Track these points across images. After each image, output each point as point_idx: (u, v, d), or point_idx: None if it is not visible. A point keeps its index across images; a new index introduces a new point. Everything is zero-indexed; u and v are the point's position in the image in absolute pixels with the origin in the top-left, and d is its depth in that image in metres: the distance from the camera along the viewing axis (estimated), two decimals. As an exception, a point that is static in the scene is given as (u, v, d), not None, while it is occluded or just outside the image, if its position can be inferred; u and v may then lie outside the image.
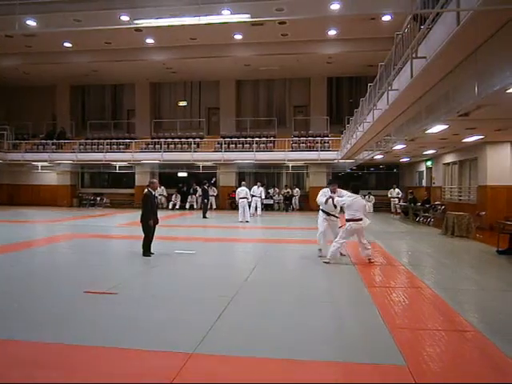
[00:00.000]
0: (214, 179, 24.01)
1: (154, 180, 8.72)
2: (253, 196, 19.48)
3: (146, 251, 8.12)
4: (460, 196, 16.51)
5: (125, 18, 16.34)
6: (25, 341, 3.77)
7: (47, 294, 5.42)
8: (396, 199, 21.69)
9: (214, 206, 22.28)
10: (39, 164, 25.38)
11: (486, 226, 12.60)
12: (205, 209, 18.00)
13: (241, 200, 16.40)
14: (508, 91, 5.85)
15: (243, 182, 18.24)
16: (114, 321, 4.34)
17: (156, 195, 8.76)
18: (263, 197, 20.01)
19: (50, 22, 16.65)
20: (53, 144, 24.92)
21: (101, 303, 4.98)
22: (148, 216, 8.10)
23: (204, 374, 3.21)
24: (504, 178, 13.28)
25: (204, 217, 17.51)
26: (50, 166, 25.50)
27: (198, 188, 21.74)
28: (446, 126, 9.85)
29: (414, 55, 6.46)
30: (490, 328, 4.15)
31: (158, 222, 8.46)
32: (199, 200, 21.85)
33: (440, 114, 8.42)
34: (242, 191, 16.76)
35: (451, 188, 17.53)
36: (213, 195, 22.25)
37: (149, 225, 8.08)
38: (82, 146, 24.86)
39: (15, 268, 7.14)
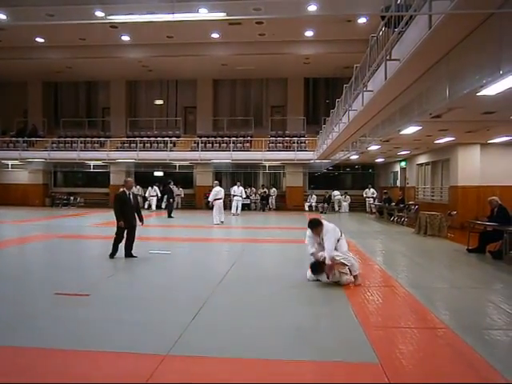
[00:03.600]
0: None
1: (129, 179, 8.22)
2: (234, 196, 19.60)
3: (112, 252, 7.74)
4: (433, 196, 16.89)
5: (99, 13, 16.03)
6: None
7: (15, 295, 5.25)
8: (371, 199, 22.04)
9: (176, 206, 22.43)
10: (9, 162, 24.63)
11: (457, 225, 12.93)
12: (170, 208, 17.89)
13: (218, 201, 15.19)
14: (478, 94, 6.01)
15: (216, 182, 16.95)
16: (86, 323, 4.24)
17: (137, 194, 8.40)
18: (244, 196, 20.03)
19: (21, 15, 16.17)
20: (24, 141, 24.24)
21: (72, 305, 4.85)
22: (117, 217, 7.62)
23: (177, 375, 3.16)
24: (474, 178, 13.67)
25: (169, 216, 17.41)
26: (21, 165, 24.78)
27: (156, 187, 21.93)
28: (419, 128, 10.05)
29: (388, 57, 6.57)
30: (460, 325, 4.25)
31: (134, 224, 7.87)
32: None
33: (413, 116, 8.59)
34: (220, 191, 15.50)
35: (424, 188, 17.92)
36: (179, 195, 22.82)
37: (119, 226, 7.64)
38: (54, 144, 24.31)
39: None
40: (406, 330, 4.16)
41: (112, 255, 7.75)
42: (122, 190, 7.90)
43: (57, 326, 4.13)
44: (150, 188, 22.20)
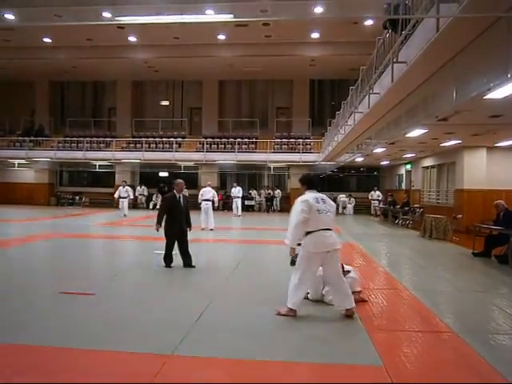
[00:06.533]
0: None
1: (179, 180, 7.35)
2: (234, 197, 19.75)
3: (166, 262, 7.11)
4: (438, 199, 16.82)
5: (107, 14, 16.12)
6: (-2, 343, 3.68)
7: (20, 294, 5.27)
8: (376, 201, 21.95)
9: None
10: (16, 161, 24.79)
11: (462, 228, 12.86)
12: None
13: (204, 202, 13.20)
14: (485, 97, 5.98)
15: (208, 183, 15.05)
16: (90, 322, 4.25)
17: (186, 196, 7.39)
18: (240, 195, 20.08)
19: (29, 16, 16.29)
20: (30, 141, 24.40)
21: (77, 304, 4.88)
22: (159, 221, 7.06)
23: (182, 376, 3.17)
24: (480, 182, 13.59)
25: None
26: (28, 164, 24.94)
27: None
28: (425, 130, 10.03)
29: (394, 60, 6.56)
30: (465, 329, 4.23)
31: (184, 229, 7.19)
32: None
33: (419, 119, 8.58)
34: (207, 192, 13.46)
35: (429, 191, 17.85)
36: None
37: (165, 231, 7.08)
38: (60, 144, 24.44)
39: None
40: (410, 333, 4.15)
41: (167, 264, 7.10)
42: (173, 192, 7.29)
43: (61, 325, 4.15)
44: (120, 188, 18.29)
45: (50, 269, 7.26)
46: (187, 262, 7.11)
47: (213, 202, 13.40)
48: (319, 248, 4.48)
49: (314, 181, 4.90)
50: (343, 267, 5.10)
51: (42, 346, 3.62)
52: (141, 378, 3.07)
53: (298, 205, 4.55)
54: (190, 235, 7.28)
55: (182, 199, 7.21)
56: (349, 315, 4.53)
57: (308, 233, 4.51)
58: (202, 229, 12.97)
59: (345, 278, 4.80)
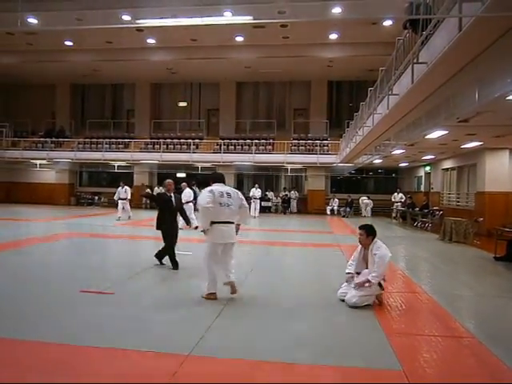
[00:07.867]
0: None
1: (168, 180, 7.49)
2: (252, 198, 19.85)
3: (173, 264, 7.10)
4: (458, 202, 16.53)
5: (126, 17, 16.34)
6: (19, 340, 3.74)
7: (42, 292, 5.38)
8: (399, 203, 21.51)
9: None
10: (37, 162, 25.32)
11: (483, 232, 12.61)
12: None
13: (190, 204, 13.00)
14: (508, 98, 5.87)
15: (183, 184, 13.75)
16: (110, 321, 4.31)
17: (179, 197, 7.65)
18: (258, 196, 20.27)
19: (51, 20, 16.62)
20: (52, 142, 24.89)
21: (97, 303, 4.95)
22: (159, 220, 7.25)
23: (199, 375, 3.19)
24: (502, 184, 13.31)
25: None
26: (49, 164, 25.44)
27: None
28: (445, 132, 9.88)
29: (415, 60, 6.48)
30: (486, 334, 4.15)
31: (175, 229, 7.34)
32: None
33: (440, 120, 8.45)
34: (188, 194, 13.36)
35: (449, 193, 17.55)
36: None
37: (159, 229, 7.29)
38: (80, 145, 24.85)
39: (10, 266, 7.11)
40: (429, 337, 4.09)
41: (175, 266, 7.05)
42: (162, 191, 7.46)
43: (81, 323, 4.22)
44: (119, 189, 17.23)
45: (70, 268, 7.37)
46: (160, 256, 7.32)
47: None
48: (218, 239, 5.11)
49: (219, 176, 5.54)
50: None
51: (61, 344, 3.67)
52: (158, 377, 3.10)
53: (205, 194, 5.10)
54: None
55: (173, 199, 7.40)
56: (232, 292, 5.20)
57: (211, 223, 5.05)
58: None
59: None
